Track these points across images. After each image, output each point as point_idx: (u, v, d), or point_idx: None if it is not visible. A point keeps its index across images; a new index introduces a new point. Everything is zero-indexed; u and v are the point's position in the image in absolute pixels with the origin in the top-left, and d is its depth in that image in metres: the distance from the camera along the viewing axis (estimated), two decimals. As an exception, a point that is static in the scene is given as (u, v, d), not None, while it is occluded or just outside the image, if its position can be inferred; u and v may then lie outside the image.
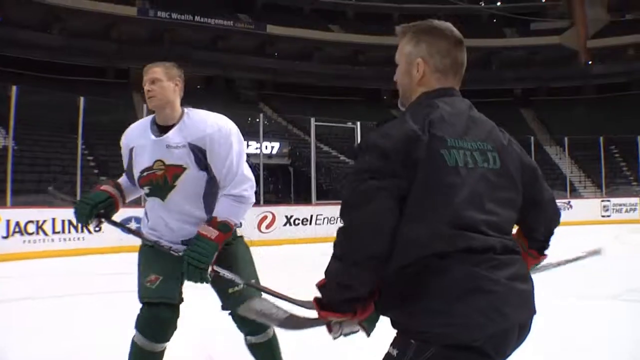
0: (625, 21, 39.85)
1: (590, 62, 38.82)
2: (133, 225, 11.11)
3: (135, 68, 33.36)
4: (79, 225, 10.74)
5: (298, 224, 13.55)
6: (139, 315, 2.62)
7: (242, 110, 27.77)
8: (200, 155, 2.62)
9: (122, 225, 2.91)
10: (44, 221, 10.36)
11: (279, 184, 23.69)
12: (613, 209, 19.23)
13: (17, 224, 10.05)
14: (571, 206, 18.31)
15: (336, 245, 1.48)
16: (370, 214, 1.42)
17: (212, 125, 2.64)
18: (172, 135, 2.65)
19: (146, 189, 2.72)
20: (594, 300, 5.81)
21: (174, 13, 33.56)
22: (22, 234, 10.10)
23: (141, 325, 2.60)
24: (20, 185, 14.28)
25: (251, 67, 35.24)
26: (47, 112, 21.00)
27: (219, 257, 2.55)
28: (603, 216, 18.82)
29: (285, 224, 13.37)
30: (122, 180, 2.94)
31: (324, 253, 1.79)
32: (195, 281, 2.50)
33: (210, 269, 2.48)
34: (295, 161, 25.02)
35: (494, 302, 1.41)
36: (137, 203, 11.02)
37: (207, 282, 2.52)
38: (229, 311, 2.75)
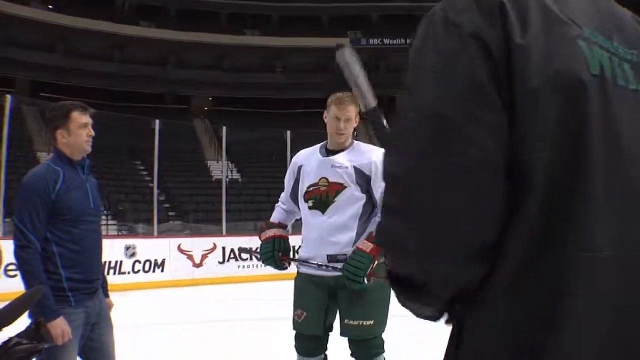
0: None
1: None
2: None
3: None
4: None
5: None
6: (295, 338, 3.05)
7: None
8: (362, 179, 2.90)
9: (297, 260, 3.19)
10: (256, 248, 11.15)
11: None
12: None
13: (232, 250, 11.01)
14: None
15: None
16: None
17: (379, 155, 2.78)
18: (338, 158, 2.97)
19: (310, 203, 3.01)
20: None
21: (386, 39, 34.31)
22: (237, 260, 11.04)
23: (296, 347, 3.06)
24: (241, 215, 15.56)
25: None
26: (264, 146, 22.47)
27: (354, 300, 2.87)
28: None
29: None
30: (277, 214, 3.27)
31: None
32: (356, 288, 2.81)
33: (366, 280, 2.76)
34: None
35: None
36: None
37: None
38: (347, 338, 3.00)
